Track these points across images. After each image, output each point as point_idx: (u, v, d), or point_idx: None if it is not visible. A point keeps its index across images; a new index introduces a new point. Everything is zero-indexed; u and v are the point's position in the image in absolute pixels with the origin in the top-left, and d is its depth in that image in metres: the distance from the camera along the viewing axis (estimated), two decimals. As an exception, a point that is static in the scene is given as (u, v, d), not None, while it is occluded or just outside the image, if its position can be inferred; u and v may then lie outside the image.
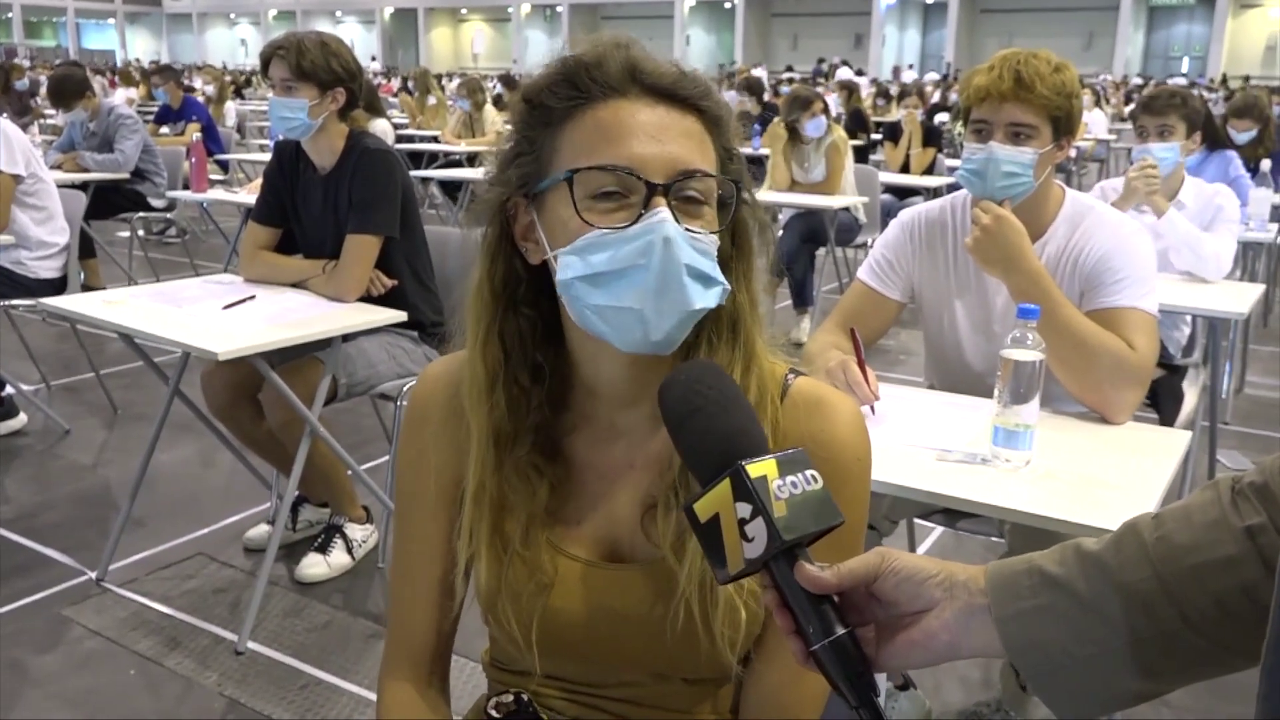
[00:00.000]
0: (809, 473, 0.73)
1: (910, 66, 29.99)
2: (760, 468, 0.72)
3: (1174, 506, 0.81)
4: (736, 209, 0.94)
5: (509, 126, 0.96)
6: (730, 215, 0.93)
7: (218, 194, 5.31)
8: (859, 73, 23.25)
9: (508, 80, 11.56)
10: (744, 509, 0.71)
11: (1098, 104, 12.66)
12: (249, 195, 4.78)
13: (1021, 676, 2.01)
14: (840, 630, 0.72)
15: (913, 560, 0.79)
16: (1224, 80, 23.51)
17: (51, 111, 7.71)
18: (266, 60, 2.69)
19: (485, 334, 0.96)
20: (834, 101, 9.53)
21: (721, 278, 0.91)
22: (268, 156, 3.00)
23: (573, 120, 0.90)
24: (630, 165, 0.87)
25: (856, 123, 9.02)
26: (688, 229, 0.88)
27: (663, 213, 0.87)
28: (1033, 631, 0.77)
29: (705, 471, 0.74)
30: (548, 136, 0.91)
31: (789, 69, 26.78)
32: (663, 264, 0.86)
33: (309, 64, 2.62)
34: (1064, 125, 1.86)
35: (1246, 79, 22.08)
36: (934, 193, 6.27)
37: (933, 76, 23.54)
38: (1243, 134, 5.13)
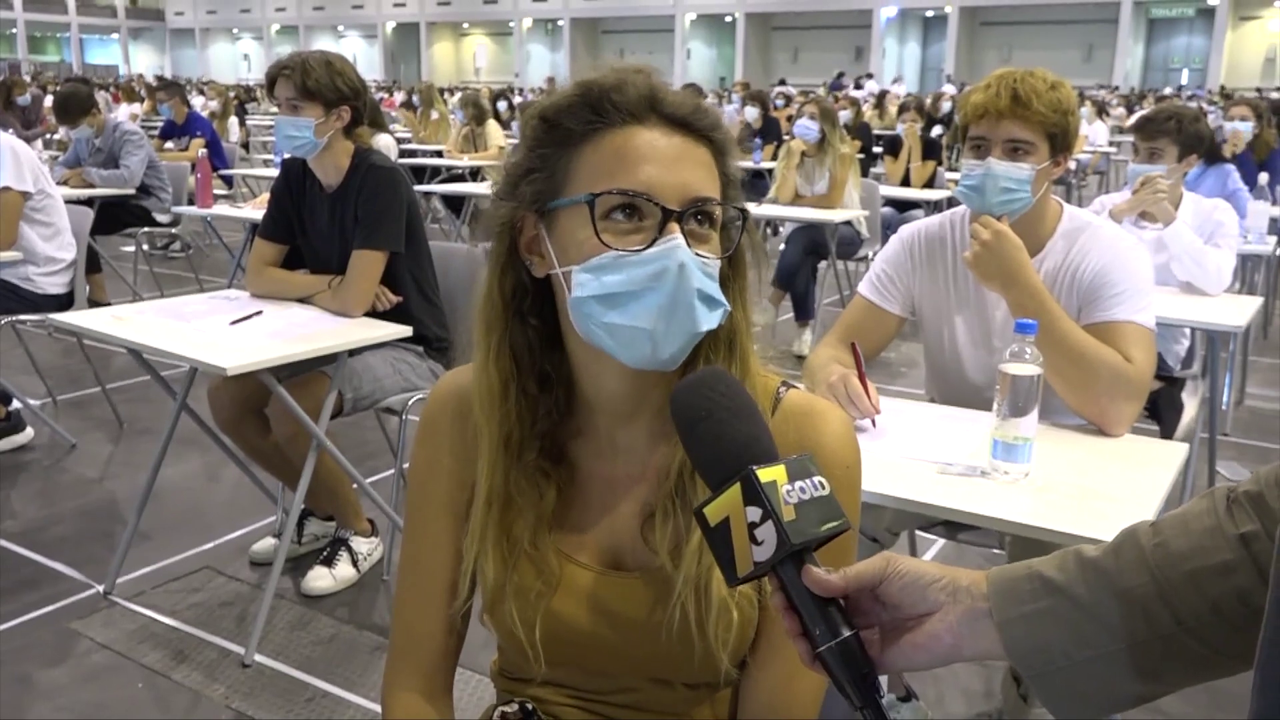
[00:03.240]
0: (817, 479, 0.75)
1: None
2: (770, 473, 0.74)
3: (1171, 514, 0.83)
4: (741, 234, 0.98)
5: (516, 142, 0.99)
6: (734, 240, 0.97)
7: (223, 209, 5.34)
8: (857, 85, 23.06)
9: (503, 96, 11.64)
10: (754, 513, 0.73)
11: (1099, 115, 12.67)
12: (254, 210, 4.81)
13: (1022, 684, 2.03)
14: (846, 632, 0.74)
15: (917, 565, 0.81)
16: (1223, 93, 23.49)
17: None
18: (272, 80, 2.73)
19: (497, 344, 0.99)
20: (843, 116, 9.56)
21: (724, 299, 0.95)
22: (273, 172, 3.03)
23: (591, 143, 0.93)
24: (649, 191, 0.91)
25: (861, 137, 9.06)
26: (698, 254, 0.92)
27: (678, 239, 0.90)
28: (1033, 635, 0.79)
29: (715, 476, 0.76)
30: (563, 156, 0.94)
31: (782, 82, 26.45)
32: (676, 288, 0.90)
33: (314, 83, 2.66)
34: (1060, 142, 1.88)
35: (1224, 92, 22.04)
36: (935, 206, 6.30)
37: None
38: (1242, 124, 5.17)
